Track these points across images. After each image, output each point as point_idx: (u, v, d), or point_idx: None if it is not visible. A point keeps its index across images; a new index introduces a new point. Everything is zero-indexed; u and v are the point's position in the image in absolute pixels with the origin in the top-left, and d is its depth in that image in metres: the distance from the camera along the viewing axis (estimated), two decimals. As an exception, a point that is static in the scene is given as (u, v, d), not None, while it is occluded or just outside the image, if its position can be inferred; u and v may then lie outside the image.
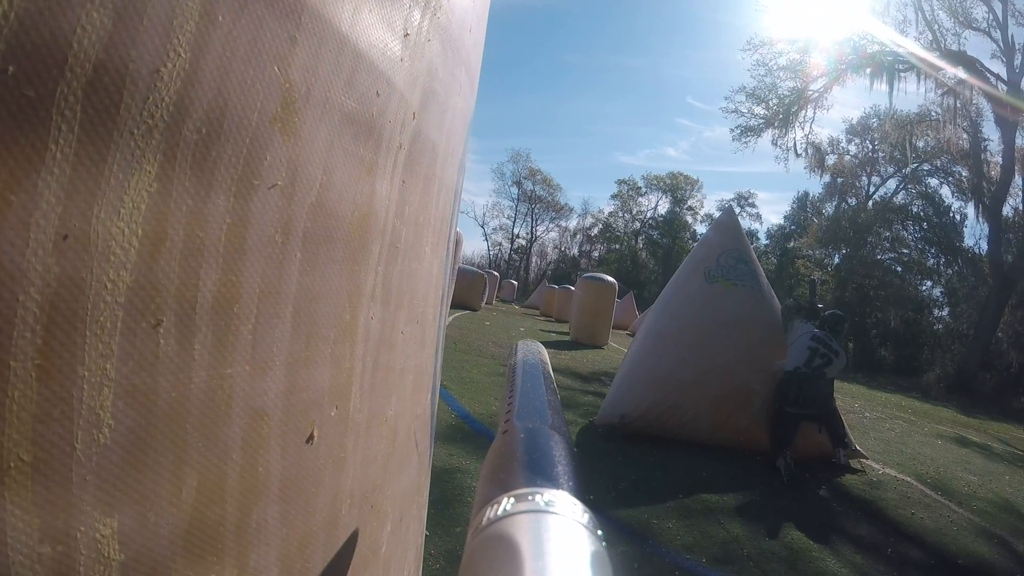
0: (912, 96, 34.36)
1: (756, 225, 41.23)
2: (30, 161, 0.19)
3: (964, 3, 17.06)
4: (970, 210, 23.08)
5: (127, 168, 0.21)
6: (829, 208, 30.01)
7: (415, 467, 0.54)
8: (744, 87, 22.43)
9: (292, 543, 0.31)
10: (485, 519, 0.21)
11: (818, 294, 4.60)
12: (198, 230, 0.23)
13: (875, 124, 25.60)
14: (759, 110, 22.35)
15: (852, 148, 28.06)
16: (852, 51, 18.97)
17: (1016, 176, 18.17)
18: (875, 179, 27.48)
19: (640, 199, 45.60)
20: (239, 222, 0.25)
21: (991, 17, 16.96)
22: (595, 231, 46.88)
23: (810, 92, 21.02)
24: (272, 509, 0.29)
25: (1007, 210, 18.59)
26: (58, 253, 0.19)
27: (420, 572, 0.66)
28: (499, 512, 0.21)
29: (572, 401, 5.10)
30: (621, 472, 3.37)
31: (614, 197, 46.15)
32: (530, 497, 0.21)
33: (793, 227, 34.62)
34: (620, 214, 45.90)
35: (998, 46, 17.02)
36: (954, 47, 17.24)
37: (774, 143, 22.88)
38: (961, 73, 16.84)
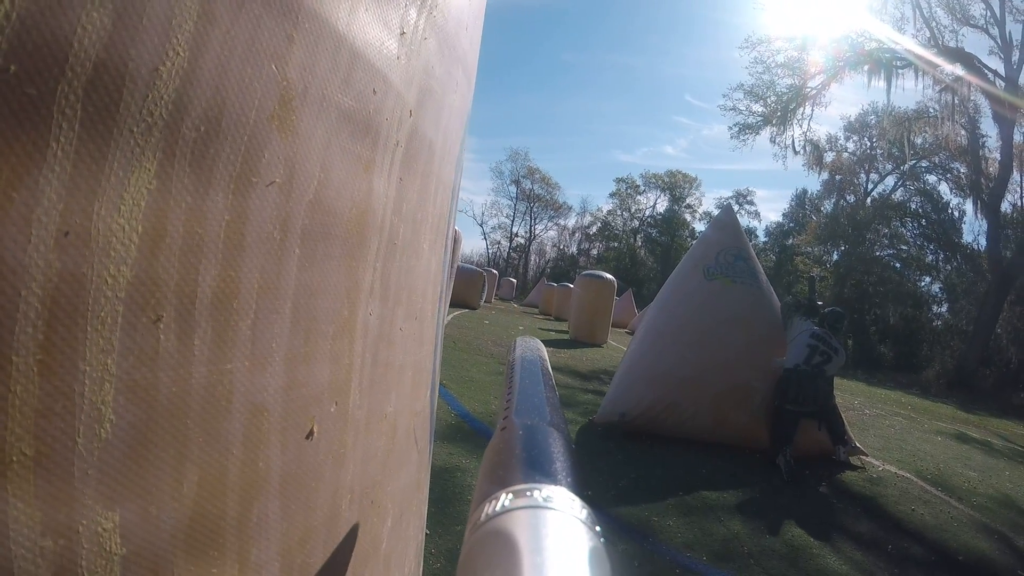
0: (910, 93, 34.39)
1: (755, 223, 41.26)
2: (31, 159, 0.19)
3: (961, 0, 17.07)
4: (968, 206, 23.23)
5: (127, 165, 0.21)
6: (828, 205, 30.04)
7: (415, 464, 0.55)
8: (742, 85, 22.43)
9: (293, 538, 0.31)
10: (483, 515, 0.21)
11: (817, 291, 4.60)
12: (197, 227, 0.23)
13: (873, 121, 25.61)
14: (757, 108, 22.35)
15: (850, 145, 28.09)
16: (850, 48, 18.97)
17: (1014, 172, 18.21)
18: (873, 176, 27.52)
19: (639, 197, 45.63)
20: (238, 219, 0.25)
21: (988, 14, 16.97)
22: (594, 229, 46.90)
23: (808, 89, 21.03)
24: (273, 504, 0.29)
25: (1005, 206, 18.63)
26: (59, 249, 0.20)
27: (421, 569, 0.66)
28: (497, 508, 0.21)
29: (572, 399, 5.10)
30: (621, 470, 3.38)
31: (612, 195, 46.16)
32: (528, 493, 0.21)
33: (792, 224, 34.62)
34: (619, 212, 45.92)
35: (995, 42, 17.02)
36: (952, 44, 17.25)
37: (772, 141, 22.89)
38: (959, 70, 16.84)
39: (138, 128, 0.22)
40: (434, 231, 0.51)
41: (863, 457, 4.37)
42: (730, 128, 23.07)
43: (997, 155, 18.33)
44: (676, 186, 44.47)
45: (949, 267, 24.01)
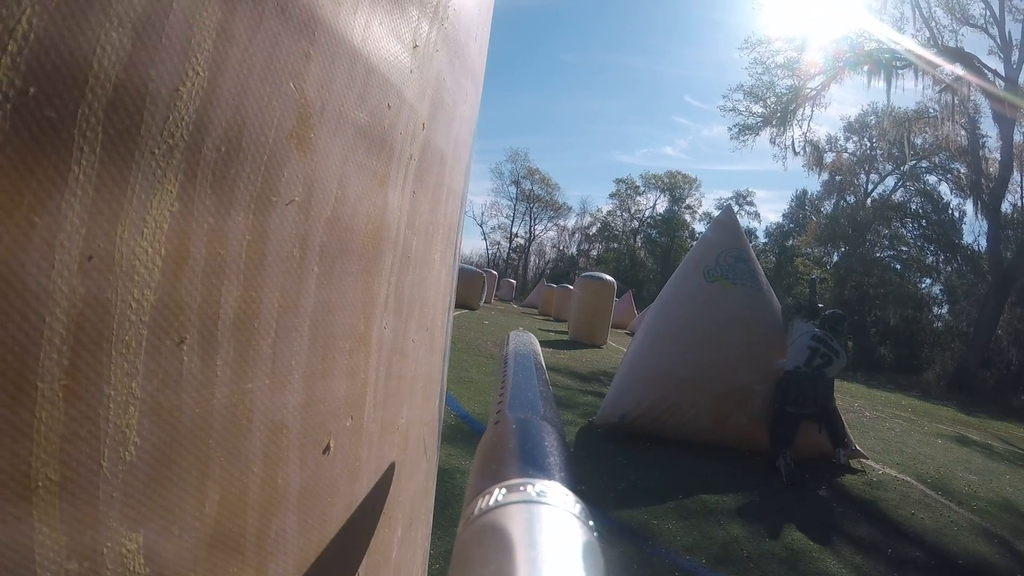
0: (910, 93, 34.43)
1: (755, 223, 41.32)
2: (53, 183, 0.19)
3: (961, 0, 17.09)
4: (969, 207, 23.24)
5: (149, 188, 0.21)
6: (828, 206, 30.07)
7: (424, 473, 0.55)
8: (742, 85, 22.46)
9: (309, 552, 0.31)
10: (477, 509, 0.21)
11: (818, 293, 4.60)
12: (219, 247, 0.23)
13: (873, 121, 25.63)
14: (757, 108, 22.38)
15: (850, 146, 28.12)
16: (849, 49, 18.98)
17: (1015, 172, 18.22)
18: (873, 177, 27.54)
19: (638, 198, 45.69)
20: (258, 238, 0.25)
21: (988, 13, 16.98)
22: (593, 230, 46.95)
23: (808, 90, 21.04)
24: (291, 519, 0.29)
25: (1006, 206, 18.64)
26: (83, 274, 0.20)
27: (426, 574, 0.67)
28: (491, 503, 0.21)
29: (571, 401, 5.10)
30: (620, 472, 3.38)
31: (612, 196, 46.22)
32: (522, 488, 0.21)
33: (792, 225, 34.66)
34: (618, 213, 45.96)
35: (995, 42, 17.03)
36: (951, 44, 17.25)
37: (772, 141, 22.92)
38: (959, 70, 16.84)
39: (159, 150, 0.22)
40: (444, 242, 0.51)
41: (863, 460, 4.37)
42: (730, 129, 23.14)
43: (997, 155, 18.35)
44: (676, 187, 44.51)
45: (949, 268, 24.01)
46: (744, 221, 38.86)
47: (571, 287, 13.66)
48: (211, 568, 0.25)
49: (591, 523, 0.20)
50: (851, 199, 28.23)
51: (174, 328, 0.22)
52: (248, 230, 0.25)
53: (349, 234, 0.31)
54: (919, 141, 22.49)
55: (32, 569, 0.19)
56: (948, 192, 24.12)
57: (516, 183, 46.72)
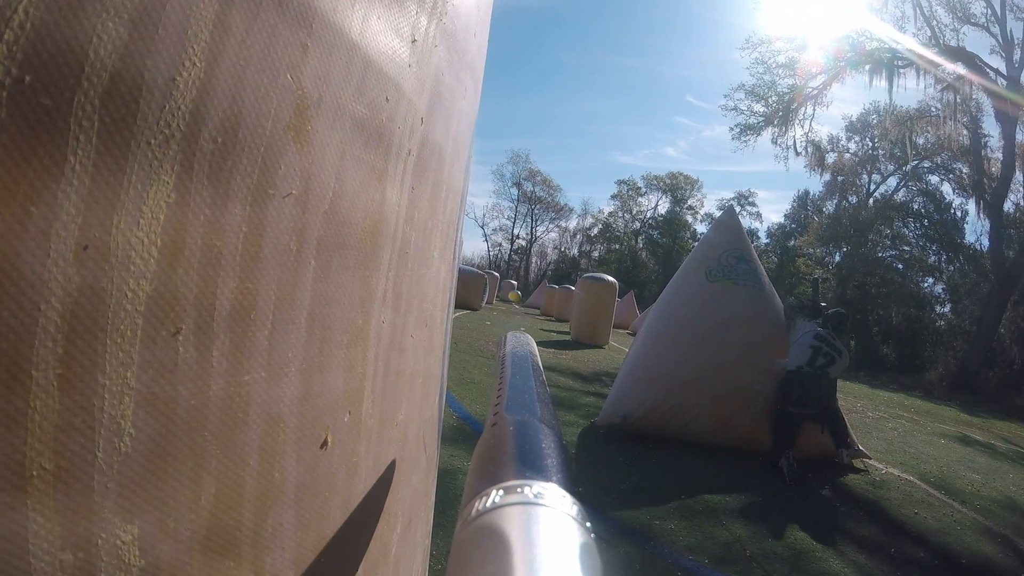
0: (911, 92, 34.44)
1: (756, 224, 41.28)
2: (49, 172, 0.19)
3: (962, -1, 17.06)
4: (971, 206, 23.10)
5: (145, 178, 0.21)
6: (830, 206, 30.00)
7: (423, 470, 0.55)
8: (743, 85, 22.44)
9: (306, 547, 0.31)
10: (474, 511, 0.21)
11: (820, 292, 4.59)
12: (215, 239, 0.23)
13: (875, 121, 25.57)
14: (758, 108, 22.36)
15: (852, 146, 28.06)
16: (850, 48, 18.96)
17: (1017, 172, 18.16)
18: (875, 176, 27.47)
19: (640, 199, 45.67)
20: (255, 231, 0.25)
21: (989, 12, 16.94)
22: (595, 231, 46.93)
23: (809, 89, 21.02)
24: (288, 514, 0.29)
25: (1008, 206, 18.57)
26: (78, 263, 0.20)
27: (426, 573, 0.66)
28: (488, 504, 0.21)
29: (573, 401, 5.10)
30: (623, 473, 3.37)
31: (614, 197, 46.22)
32: (519, 489, 0.21)
33: (794, 225, 34.61)
34: (620, 214, 45.95)
35: (997, 41, 17.00)
36: (953, 43, 17.22)
37: (774, 141, 22.89)
38: (960, 69, 16.81)
39: (156, 140, 0.22)
40: (443, 238, 0.51)
41: (866, 460, 4.36)
42: (731, 129, 23.12)
43: (999, 155, 18.29)
44: (677, 188, 44.49)
45: (952, 268, 23.96)
46: (746, 222, 38.86)
47: (573, 288, 13.67)
48: (207, 561, 0.25)
49: (588, 525, 0.20)
50: (853, 199, 28.16)
51: (170, 319, 0.22)
52: (245, 222, 0.25)
53: (347, 228, 0.31)
54: (921, 141, 22.43)
55: (26, 559, 0.19)
56: (950, 192, 24.09)
57: (517, 185, 46.78)
